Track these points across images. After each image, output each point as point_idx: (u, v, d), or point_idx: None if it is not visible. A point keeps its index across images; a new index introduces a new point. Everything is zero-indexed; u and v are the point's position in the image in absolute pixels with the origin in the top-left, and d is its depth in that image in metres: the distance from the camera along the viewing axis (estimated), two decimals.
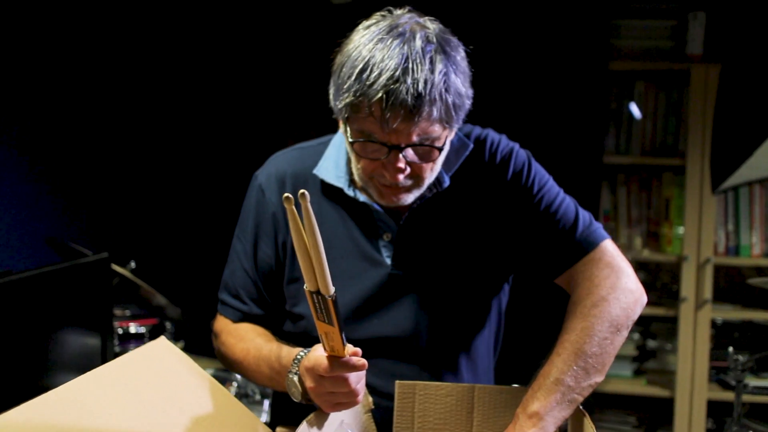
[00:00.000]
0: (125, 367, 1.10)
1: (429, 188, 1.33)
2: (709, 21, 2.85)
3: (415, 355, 1.34)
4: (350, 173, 1.37)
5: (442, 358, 1.36)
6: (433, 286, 1.35)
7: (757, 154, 2.38)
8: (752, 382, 2.77)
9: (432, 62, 1.17)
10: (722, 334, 2.98)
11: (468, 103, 1.25)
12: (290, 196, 0.90)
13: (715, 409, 2.89)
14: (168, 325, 2.64)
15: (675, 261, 2.91)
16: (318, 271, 0.96)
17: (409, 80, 1.14)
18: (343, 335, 1.03)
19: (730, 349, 2.37)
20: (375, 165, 1.24)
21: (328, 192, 1.39)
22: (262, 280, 1.42)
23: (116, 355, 1.87)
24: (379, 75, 1.15)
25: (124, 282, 2.30)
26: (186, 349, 1.75)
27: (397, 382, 1.22)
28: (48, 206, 2.67)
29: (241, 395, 2.22)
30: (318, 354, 1.09)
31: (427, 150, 1.23)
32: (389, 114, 1.15)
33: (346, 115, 1.24)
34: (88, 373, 1.04)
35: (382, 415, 1.26)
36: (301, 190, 0.90)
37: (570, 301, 1.29)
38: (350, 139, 1.24)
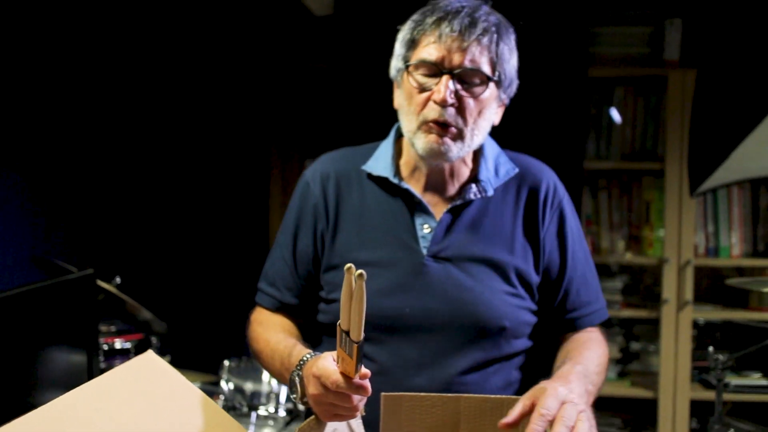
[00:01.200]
0: (113, 382, 1.10)
1: (473, 192, 1.42)
2: (685, 27, 2.90)
3: (437, 345, 1.37)
4: (397, 166, 1.46)
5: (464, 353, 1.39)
6: (464, 282, 1.38)
7: (734, 157, 2.42)
8: (733, 380, 2.81)
9: (489, 14, 1.36)
10: (704, 335, 3.03)
11: (514, 72, 1.40)
12: (352, 266, 0.96)
13: (699, 409, 2.92)
14: (154, 339, 2.63)
15: (656, 263, 2.95)
16: (354, 321, 0.99)
17: (465, 11, 1.33)
18: (360, 365, 1.04)
19: (711, 348, 2.41)
20: (425, 98, 1.34)
21: (374, 186, 1.47)
22: (300, 270, 1.48)
23: (102, 371, 1.87)
24: (441, 9, 1.35)
25: (110, 297, 2.30)
26: (172, 363, 1.74)
27: (382, 394, 1.22)
28: (31, 224, 2.66)
29: (229, 408, 2.22)
30: (327, 364, 1.09)
31: (474, 82, 1.34)
32: (445, 31, 1.31)
33: (406, 55, 1.37)
34: (77, 389, 1.04)
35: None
36: (359, 271, 0.95)
37: (566, 344, 1.42)
38: (407, 69, 1.36)
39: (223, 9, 3.24)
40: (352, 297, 0.98)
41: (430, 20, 1.34)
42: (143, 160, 3.24)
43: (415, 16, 1.38)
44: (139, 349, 2.61)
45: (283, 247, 1.51)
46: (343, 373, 1.06)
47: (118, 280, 2.49)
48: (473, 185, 1.43)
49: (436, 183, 1.45)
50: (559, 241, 1.45)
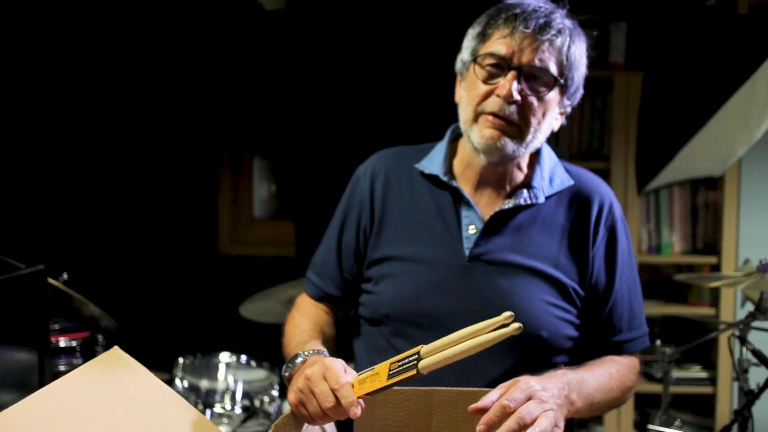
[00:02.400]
0: (81, 379, 1.07)
1: (524, 198, 1.39)
2: (630, 31, 2.99)
3: None
4: (449, 165, 1.45)
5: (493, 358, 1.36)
6: (503, 288, 1.36)
7: (679, 157, 2.52)
8: (675, 373, 2.91)
9: (564, 18, 1.35)
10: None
11: (581, 79, 1.39)
12: (512, 314, 0.99)
13: (642, 402, 3.02)
14: (100, 338, 2.57)
15: None
16: (441, 359, 1.01)
17: (542, 12, 1.32)
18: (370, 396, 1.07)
19: (658, 342, 2.49)
20: (488, 90, 1.32)
21: (424, 183, 1.46)
22: (344, 263, 1.50)
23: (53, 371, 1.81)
24: (516, 7, 1.33)
25: (54, 294, 2.23)
26: None
27: None
28: None
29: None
30: (340, 364, 1.12)
31: (541, 83, 1.32)
32: (519, 27, 1.30)
33: (475, 48, 1.35)
34: (45, 388, 1.01)
35: None
36: (518, 325, 0.98)
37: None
38: (474, 57, 1.35)
39: (173, 3, 3.18)
40: (473, 337, 0.99)
41: (504, 15, 1.33)
42: (92, 157, 3.16)
43: (490, 11, 1.37)
44: (84, 347, 2.54)
45: (331, 238, 1.53)
46: (350, 384, 1.08)
47: (65, 276, 2.42)
48: (525, 190, 1.40)
49: (487, 183, 1.42)
50: (608, 262, 1.41)
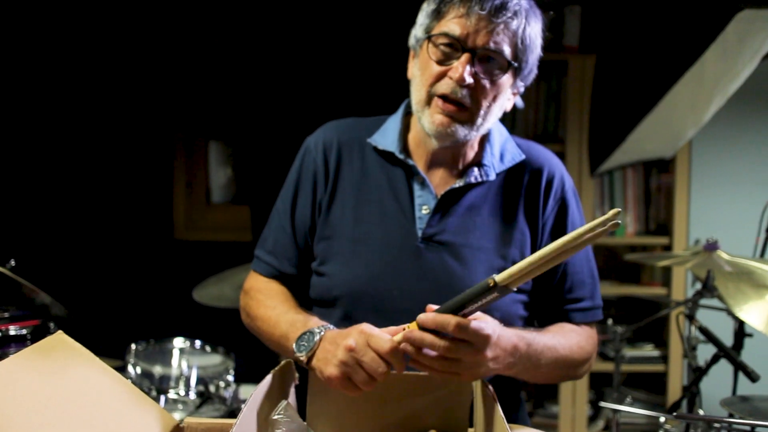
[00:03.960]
0: (23, 363, 1.05)
1: (475, 176, 1.38)
2: (584, 14, 3.01)
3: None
4: (404, 142, 1.43)
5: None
6: (455, 269, 1.36)
7: (630, 139, 2.55)
8: (628, 352, 2.97)
9: None
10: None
11: (536, 61, 1.35)
12: (620, 211, 0.96)
13: (595, 381, 3.08)
14: (51, 325, 2.52)
15: None
16: (518, 269, 0.99)
17: None
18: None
19: (610, 321, 2.53)
20: (441, 71, 1.30)
21: (377, 159, 1.43)
22: (299, 238, 1.45)
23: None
24: None
25: (3, 282, 2.18)
26: None
27: (310, 375, 1.22)
28: None
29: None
30: (373, 327, 1.12)
31: (494, 67, 1.30)
32: (474, 7, 1.26)
33: (429, 25, 1.32)
34: None
35: None
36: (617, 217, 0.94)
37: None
38: (429, 38, 1.32)
39: None
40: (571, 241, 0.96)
41: None
42: (42, 141, 3.09)
43: None
44: (35, 335, 2.50)
45: (282, 214, 1.47)
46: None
47: (12, 262, 2.36)
48: (475, 168, 1.40)
49: (439, 162, 1.41)
50: (557, 234, 1.39)
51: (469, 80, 1.28)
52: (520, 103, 1.49)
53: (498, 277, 1.00)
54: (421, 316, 1.08)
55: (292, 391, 1.24)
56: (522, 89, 1.41)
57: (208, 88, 3.24)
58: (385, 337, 1.10)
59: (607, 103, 2.70)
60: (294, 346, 1.21)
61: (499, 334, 1.12)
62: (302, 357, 1.19)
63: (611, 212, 0.94)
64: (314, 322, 1.26)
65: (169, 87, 3.24)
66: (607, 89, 2.70)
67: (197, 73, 3.26)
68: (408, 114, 1.46)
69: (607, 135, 2.69)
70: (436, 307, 1.09)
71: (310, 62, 3.02)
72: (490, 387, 1.12)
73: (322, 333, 1.20)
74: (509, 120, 3.08)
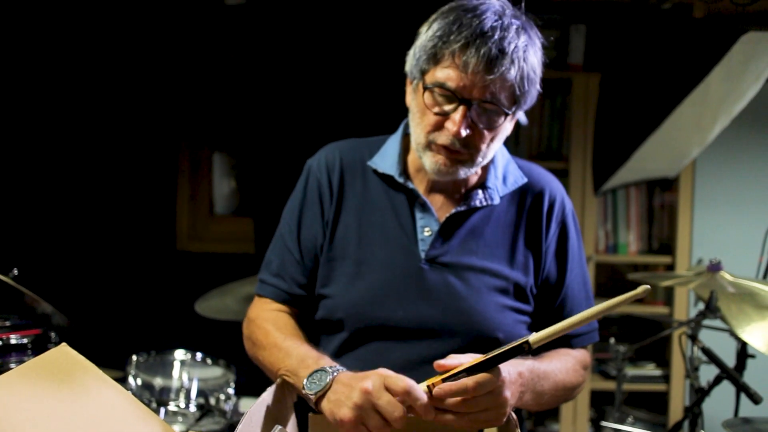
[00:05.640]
0: (26, 375, 1.05)
1: (480, 200, 1.39)
2: (589, 33, 3.03)
3: (427, 350, 1.33)
4: (404, 164, 1.43)
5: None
6: (459, 291, 1.36)
7: (634, 158, 2.56)
8: (630, 371, 2.96)
9: (518, 31, 1.27)
10: (602, 328, 3.16)
11: (536, 89, 1.33)
12: (649, 288, 1.01)
13: (597, 399, 3.06)
14: (53, 335, 2.52)
15: None
16: (551, 332, 1.02)
17: (496, 36, 1.24)
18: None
19: (612, 340, 2.52)
20: (438, 120, 1.30)
21: (378, 182, 1.43)
22: (306, 259, 1.43)
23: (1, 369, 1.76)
24: (469, 26, 1.25)
25: (4, 291, 2.18)
26: None
27: (309, 415, 1.20)
28: None
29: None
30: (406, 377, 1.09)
31: (492, 115, 1.29)
32: (470, 61, 1.23)
33: (425, 67, 1.30)
34: None
35: None
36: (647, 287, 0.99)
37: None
38: (424, 86, 1.30)
39: None
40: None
41: (455, 39, 1.25)
42: (45, 150, 3.10)
43: (440, 27, 1.28)
44: (36, 344, 2.50)
45: (287, 236, 1.45)
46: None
47: (15, 272, 2.37)
48: (479, 191, 1.40)
49: (441, 185, 1.41)
50: (559, 256, 1.42)
51: (465, 132, 1.28)
52: (523, 119, 1.49)
53: (532, 339, 1.01)
54: (437, 390, 1.07)
55: (291, 407, 1.23)
56: (523, 116, 1.42)
57: (212, 99, 3.26)
58: (404, 378, 1.07)
59: (612, 122, 2.71)
60: (305, 382, 1.17)
61: (507, 370, 1.12)
62: (312, 395, 1.15)
63: (641, 288, 0.99)
64: (326, 361, 1.22)
65: (173, 98, 3.26)
66: (612, 108, 2.71)
67: (202, 85, 3.27)
68: (407, 134, 1.46)
69: (611, 153, 2.69)
70: (457, 357, 1.09)
71: (314, 74, 3.04)
72: (513, 414, 1.13)
73: (335, 374, 1.16)
74: (513, 137, 3.09)
